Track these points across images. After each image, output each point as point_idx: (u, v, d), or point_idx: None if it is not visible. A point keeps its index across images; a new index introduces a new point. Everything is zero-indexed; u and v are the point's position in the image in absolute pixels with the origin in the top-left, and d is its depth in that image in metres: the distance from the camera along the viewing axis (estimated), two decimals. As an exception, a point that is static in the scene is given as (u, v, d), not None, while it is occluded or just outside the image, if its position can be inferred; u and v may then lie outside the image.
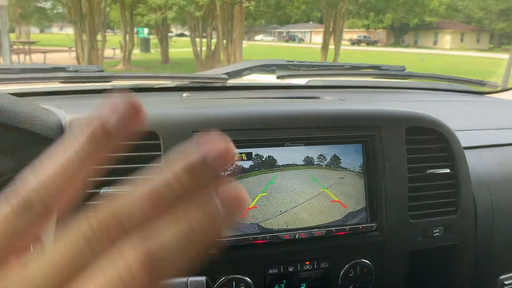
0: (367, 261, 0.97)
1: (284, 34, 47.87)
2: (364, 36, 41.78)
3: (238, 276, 0.89)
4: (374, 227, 0.95)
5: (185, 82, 1.60)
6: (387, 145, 0.97)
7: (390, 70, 1.80)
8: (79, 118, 0.86)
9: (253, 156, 0.90)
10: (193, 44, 14.68)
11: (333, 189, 0.94)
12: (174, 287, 0.60)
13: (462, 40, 40.15)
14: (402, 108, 1.03)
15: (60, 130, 0.83)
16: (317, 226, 0.92)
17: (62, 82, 1.47)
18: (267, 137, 0.91)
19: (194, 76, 1.67)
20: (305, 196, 0.92)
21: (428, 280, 1.11)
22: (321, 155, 0.93)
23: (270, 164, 0.91)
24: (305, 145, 0.93)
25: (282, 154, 0.92)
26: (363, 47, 34.90)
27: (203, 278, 0.62)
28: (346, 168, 0.95)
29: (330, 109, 1.00)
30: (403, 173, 0.98)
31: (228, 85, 1.63)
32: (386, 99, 1.71)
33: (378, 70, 1.81)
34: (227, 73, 1.60)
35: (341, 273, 0.96)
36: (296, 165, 0.92)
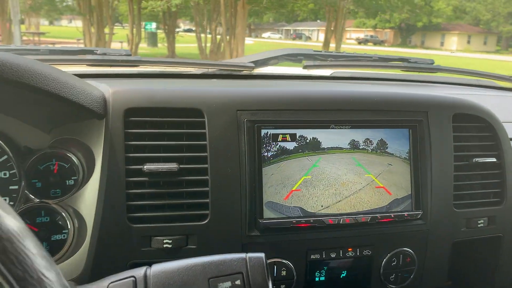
0: (410, 250, 0.94)
1: (291, 32, 47.92)
2: (371, 36, 42.02)
3: (280, 260, 0.87)
4: (420, 215, 0.92)
5: (212, 69, 1.58)
6: (434, 132, 0.94)
7: (418, 63, 1.77)
8: (122, 90, 0.84)
9: (297, 137, 0.88)
10: (198, 39, 14.79)
11: (378, 175, 0.91)
12: (234, 263, 0.58)
13: (469, 42, 40.17)
14: (449, 95, 1.00)
15: (104, 103, 0.81)
16: (362, 212, 0.90)
17: (90, 65, 1.45)
18: (312, 118, 0.89)
19: (221, 64, 1.64)
20: (351, 186, 0.89)
21: (468, 272, 1.08)
22: (367, 139, 0.91)
23: (314, 146, 0.89)
24: (351, 128, 0.90)
25: (327, 137, 0.89)
26: (370, 47, 34.98)
27: (262, 255, 0.59)
28: (392, 154, 0.92)
29: (378, 92, 0.97)
30: (449, 160, 0.95)
31: (254, 73, 1.61)
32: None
33: (406, 62, 1.77)
34: (253, 62, 1.58)
35: (384, 261, 0.93)
36: (341, 148, 0.90)
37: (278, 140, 0.87)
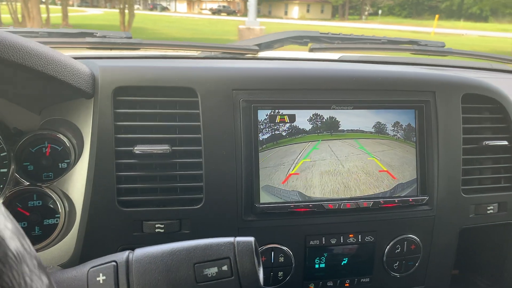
0: (415, 237, 0.90)
1: (149, 2, 48.76)
2: (224, 6, 44.82)
3: (277, 246, 0.84)
4: (425, 200, 0.88)
5: (215, 53, 1.54)
6: (442, 113, 0.89)
7: (429, 46, 1.71)
8: (111, 68, 0.80)
9: (297, 118, 0.84)
10: (10, 8, 15.16)
11: (382, 158, 0.87)
12: (221, 248, 0.54)
13: (308, 10, 44.49)
14: (458, 74, 0.95)
15: (92, 82, 0.78)
16: (364, 197, 0.86)
17: (90, 48, 1.42)
18: (312, 98, 0.84)
19: (225, 47, 1.61)
20: (351, 164, 0.86)
21: (477, 261, 1.03)
22: (370, 120, 0.86)
23: (314, 128, 0.84)
24: (353, 108, 0.86)
25: (329, 118, 0.85)
26: (224, 16, 36.56)
27: (251, 239, 0.56)
28: (396, 136, 0.88)
29: (383, 71, 0.92)
30: (457, 143, 0.90)
31: (259, 57, 1.57)
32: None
33: (416, 45, 1.71)
34: (257, 45, 1.54)
35: (387, 248, 0.89)
36: (343, 130, 0.85)
37: (276, 121, 0.83)
